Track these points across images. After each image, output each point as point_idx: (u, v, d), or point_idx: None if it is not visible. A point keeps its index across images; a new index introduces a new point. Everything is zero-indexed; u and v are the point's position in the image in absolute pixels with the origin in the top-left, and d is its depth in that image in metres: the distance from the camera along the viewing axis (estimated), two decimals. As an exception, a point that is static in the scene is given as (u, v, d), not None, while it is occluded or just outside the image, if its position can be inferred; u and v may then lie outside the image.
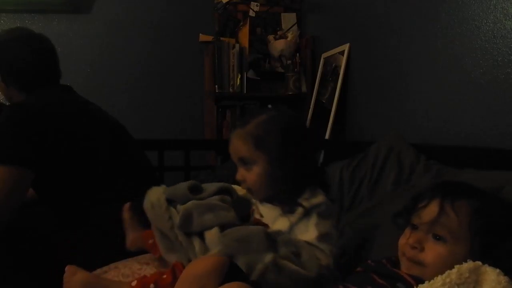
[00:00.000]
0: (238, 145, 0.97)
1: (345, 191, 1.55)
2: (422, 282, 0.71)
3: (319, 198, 0.93)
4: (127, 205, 1.16)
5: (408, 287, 0.75)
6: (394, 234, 0.87)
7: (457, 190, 0.80)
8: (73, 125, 1.37)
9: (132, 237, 1.12)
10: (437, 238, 0.76)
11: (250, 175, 0.97)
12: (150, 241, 1.06)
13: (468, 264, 0.68)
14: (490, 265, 0.68)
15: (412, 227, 0.81)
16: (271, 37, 2.87)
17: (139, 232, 1.10)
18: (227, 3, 2.74)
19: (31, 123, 1.29)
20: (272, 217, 0.97)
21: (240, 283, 0.73)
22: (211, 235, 0.89)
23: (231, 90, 2.77)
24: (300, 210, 0.92)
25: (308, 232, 0.90)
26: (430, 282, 0.67)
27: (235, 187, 1.05)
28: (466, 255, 0.73)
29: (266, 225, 0.96)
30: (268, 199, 0.99)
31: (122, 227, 1.31)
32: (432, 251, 0.76)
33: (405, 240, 0.81)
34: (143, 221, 1.07)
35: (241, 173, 0.99)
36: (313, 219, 0.91)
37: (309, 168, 0.97)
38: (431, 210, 0.78)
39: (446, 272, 0.67)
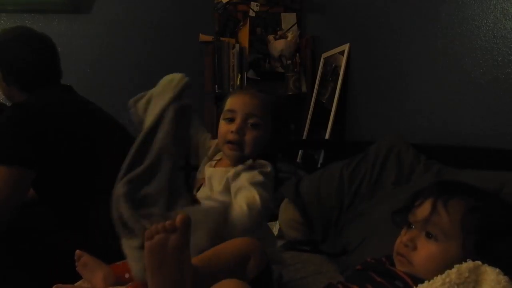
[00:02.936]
0: (255, 105, 1.04)
1: (345, 191, 1.55)
2: (420, 280, 0.71)
3: (267, 166, 1.02)
4: (79, 252, 1.05)
5: (406, 286, 0.75)
6: (393, 233, 0.87)
7: (452, 189, 0.81)
8: (73, 125, 1.37)
9: (102, 274, 1.00)
10: (430, 236, 0.77)
11: (251, 133, 1.03)
12: (127, 275, 1.00)
13: (468, 264, 0.68)
14: (489, 264, 0.68)
15: (408, 226, 0.82)
16: (271, 37, 2.87)
17: (107, 267, 1.02)
18: (227, 3, 2.74)
19: (31, 123, 1.29)
20: (219, 177, 1.04)
21: (236, 280, 0.74)
22: None
23: (231, 90, 2.77)
24: (247, 162, 1.01)
25: (248, 175, 0.97)
26: (430, 282, 0.68)
27: None
28: (459, 254, 0.73)
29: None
30: (242, 158, 1.04)
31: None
32: (424, 250, 0.77)
33: (400, 238, 0.82)
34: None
35: (241, 126, 1.03)
36: (255, 171, 0.99)
37: (282, 145, 1.14)
38: (424, 209, 0.79)
39: (446, 272, 0.67)
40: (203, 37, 2.81)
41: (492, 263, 0.69)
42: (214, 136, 1.18)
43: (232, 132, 1.03)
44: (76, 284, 1.06)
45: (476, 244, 0.73)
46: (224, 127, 1.06)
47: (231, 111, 1.05)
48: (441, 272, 0.69)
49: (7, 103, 1.67)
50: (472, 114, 1.47)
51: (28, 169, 1.25)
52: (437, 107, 1.64)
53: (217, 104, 2.80)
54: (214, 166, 1.11)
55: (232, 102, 1.07)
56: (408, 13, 1.84)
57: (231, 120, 1.04)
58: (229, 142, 1.03)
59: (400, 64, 1.90)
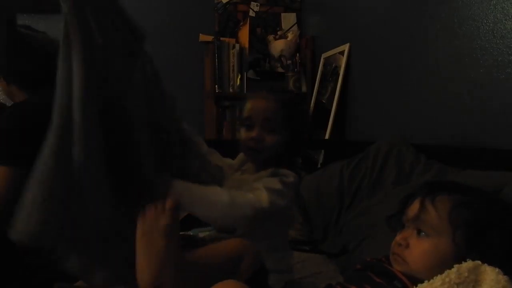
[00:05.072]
0: (271, 110, 1.05)
1: (345, 190, 1.56)
2: (418, 280, 0.71)
3: (290, 176, 1.03)
4: None
5: (405, 286, 0.76)
6: (393, 233, 0.87)
7: (440, 187, 0.83)
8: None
9: None
10: (420, 233, 0.79)
11: (271, 138, 1.05)
12: None
13: (468, 264, 0.68)
14: (476, 258, 0.69)
15: (402, 227, 0.84)
16: (271, 37, 2.87)
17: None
18: (227, 3, 2.75)
19: (31, 123, 1.29)
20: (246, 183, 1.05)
21: (234, 281, 0.75)
22: None
23: (231, 90, 2.78)
24: (270, 170, 1.03)
25: (267, 181, 0.99)
26: (430, 282, 0.68)
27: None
28: (451, 248, 0.75)
29: None
30: (265, 162, 1.06)
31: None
32: (416, 247, 0.78)
33: (395, 239, 0.83)
34: None
35: (260, 133, 1.05)
36: (276, 179, 1.00)
37: (303, 145, 1.15)
38: (414, 208, 0.81)
39: (446, 272, 0.68)
40: (203, 37, 2.81)
41: (483, 256, 0.70)
42: (222, 154, 1.20)
43: (252, 139, 1.05)
44: (76, 284, 1.06)
45: (466, 238, 0.74)
46: (244, 134, 1.08)
47: (248, 118, 1.07)
48: (436, 269, 0.70)
49: (7, 103, 1.67)
50: (472, 114, 1.47)
51: (29, 169, 1.25)
52: (437, 107, 1.64)
53: (217, 104, 2.81)
54: (241, 175, 1.14)
55: (249, 109, 1.09)
56: (408, 13, 1.84)
57: (249, 127, 1.07)
58: (250, 149, 1.07)
59: (400, 64, 1.90)
